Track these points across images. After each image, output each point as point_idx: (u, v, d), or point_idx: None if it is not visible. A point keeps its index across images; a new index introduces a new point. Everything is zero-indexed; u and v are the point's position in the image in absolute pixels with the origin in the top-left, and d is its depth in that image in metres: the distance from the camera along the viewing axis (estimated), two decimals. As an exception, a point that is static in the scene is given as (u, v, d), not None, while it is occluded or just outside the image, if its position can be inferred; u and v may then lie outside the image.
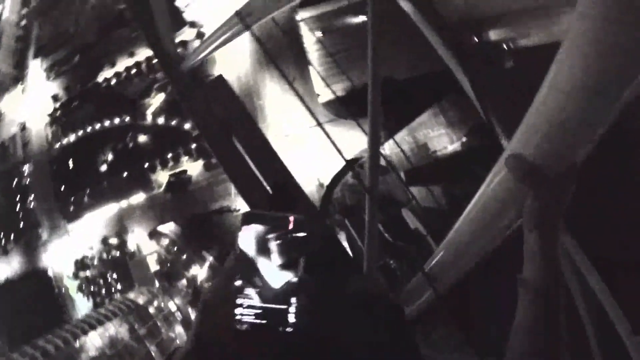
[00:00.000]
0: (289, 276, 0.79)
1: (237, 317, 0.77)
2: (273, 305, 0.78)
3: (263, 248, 0.79)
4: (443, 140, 20.64)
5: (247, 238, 0.79)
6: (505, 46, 19.69)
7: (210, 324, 0.76)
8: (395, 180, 16.86)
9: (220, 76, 5.64)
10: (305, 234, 0.80)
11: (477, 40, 19.71)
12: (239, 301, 0.78)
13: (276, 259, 0.79)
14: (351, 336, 0.80)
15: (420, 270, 1.89)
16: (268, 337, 0.77)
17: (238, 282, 0.78)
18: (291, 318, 0.77)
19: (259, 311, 0.78)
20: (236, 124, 5.61)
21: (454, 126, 20.46)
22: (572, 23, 0.81)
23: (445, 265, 1.70)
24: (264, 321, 0.77)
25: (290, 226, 0.80)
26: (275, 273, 0.79)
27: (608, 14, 0.72)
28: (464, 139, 20.31)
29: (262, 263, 0.79)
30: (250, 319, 0.77)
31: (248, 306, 0.78)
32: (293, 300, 0.78)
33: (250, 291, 0.78)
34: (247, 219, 0.81)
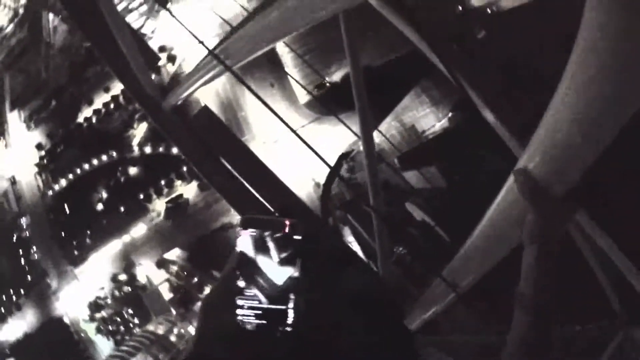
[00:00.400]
0: (284, 278, 0.81)
1: (239, 319, 0.79)
2: (273, 306, 0.80)
3: (262, 247, 0.81)
4: (430, 119, 20.63)
5: (246, 241, 0.81)
6: (489, 10, 19.72)
7: (213, 326, 0.77)
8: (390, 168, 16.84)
9: (205, 107, 5.56)
10: (299, 237, 0.82)
11: (461, 9, 19.73)
12: (240, 302, 0.79)
13: (275, 255, 0.81)
14: (347, 336, 0.82)
15: (440, 277, 1.88)
16: (270, 337, 0.79)
17: (238, 284, 0.80)
18: (290, 318, 0.79)
19: (259, 312, 0.79)
20: (223, 146, 5.53)
21: (439, 104, 20.44)
22: (579, 36, 0.76)
23: (464, 270, 1.74)
24: (264, 322, 0.79)
25: (282, 229, 0.82)
26: (277, 270, 0.81)
27: (623, 25, 0.68)
28: (450, 115, 20.31)
29: (262, 262, 0.81)
30: (252, 320, 0.79)
31: (249, 307, 0.79)
32: (291, 299, 0.80)
33: (250, 292, 0.80)
34: (246, 223, 0.82)
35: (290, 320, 0.79)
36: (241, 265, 0.81)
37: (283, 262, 0.81)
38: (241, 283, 0.80)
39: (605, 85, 0.77)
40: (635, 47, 0.70)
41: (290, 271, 0.81)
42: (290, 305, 0.80)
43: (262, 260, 0.81)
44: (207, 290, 26.37)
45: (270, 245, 0.81)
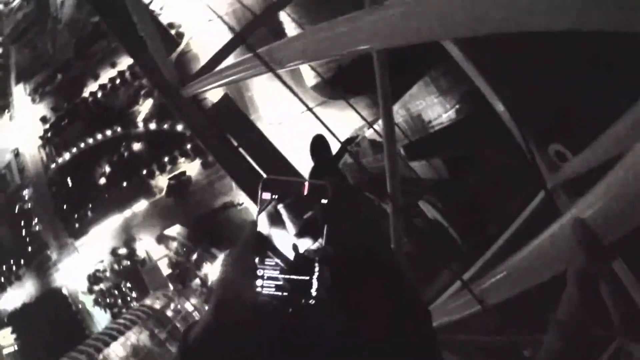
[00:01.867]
0: (308, 244, 0.74)
1: (258, 289, 0.72)
2: (295, 277, 0.73)
3: (278, 216, 0.75)
4: (436, 109, 20.37)
5: (264, 205, 0.74)
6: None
7: (230, 296, 0.71)
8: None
9: (226, 95, 5.47)
10: (324, 200, 0.74)
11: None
12: (259, 272, 0.73)
13: (290, 227, 0.74)
14: (371, 310, 0.78)
15: (470, 291, 1.88)
16: (290, 309, 0.74)
17: (257, 252, 0.74)
18: (314, 290, 0.73)
19: (280, 283, 0.73)
20: (242, 136, 5.44)
21: (446, 94, 20.16)
22: None
23: (496, 289, 1.74)
24: (285, 293, 0.73)
25: (306, 191, 0.74)
26: (291, 243, 0.74)
27: None
28: (457, 106, 20.11)
29: (278, 232, 0.75)
30: (271, 291, 0.73)
31: (269, 277, 0.73)
32: (315, 269, 0.73)
33: (270, 261, 0.73)
34: (266, 185, 0.74)
35: (313, 291, 0.73)
36: (261, 232, 0.74)
37: (307, 228, 0.74)
38: (260, 251, 0.74)
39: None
40: None
41: (315, 238, 0.75)
42: (314, 275, 0.73)
43: (280, 226, 0.74)
44: (205, 267, 26.71)
45: (288, 208, 0.74)
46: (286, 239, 0.74)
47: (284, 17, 18.81)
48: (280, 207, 0.74)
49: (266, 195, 0.74)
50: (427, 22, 1.16)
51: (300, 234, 0.74)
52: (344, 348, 0.73)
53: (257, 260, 0.73)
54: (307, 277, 0.73)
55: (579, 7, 0.73)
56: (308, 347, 0.72)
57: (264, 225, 0.74)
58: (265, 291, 0.72)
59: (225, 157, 5.54)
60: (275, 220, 0.74)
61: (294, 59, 2.61)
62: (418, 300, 0.85)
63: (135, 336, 25.92)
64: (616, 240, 0.95)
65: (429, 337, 0.82)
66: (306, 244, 0.74)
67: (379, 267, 0.82)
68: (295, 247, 0.74)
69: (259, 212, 0.74)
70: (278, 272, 0.73)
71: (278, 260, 0.73)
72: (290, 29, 19.84)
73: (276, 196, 0.74)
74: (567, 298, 1.00)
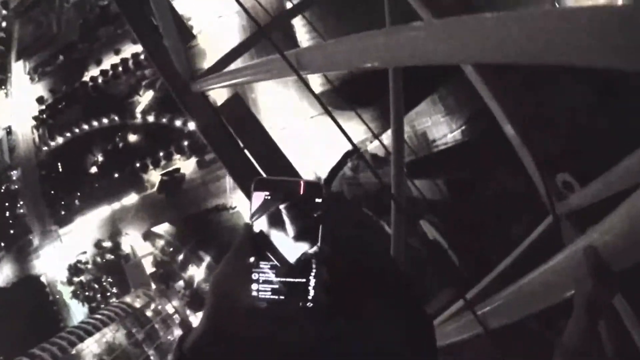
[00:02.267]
0: (306, 247, 0.72)
1: (253, 294, 0.70)
2: (291, 279, 0.71)
3: (275, 217, 0.72)
4: (442, 128, 20.38)
5: (259, 207, 0.72)
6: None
7: (225, 302, 0.70)
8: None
9: (236, 94, 5.51)
10: (319, 199, 0.73)
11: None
12: (254, 276, 0.70)
13: (289, 228, 0.72)
14: (371, 312, 0.81)
15: (475, 315, 1.89)
16: (287, 313, 0.72)
17: (252, 256, 0.71)
18: (311, 292, 0.71)
19: (276, 286, 0.71)
20: (249, 138, 5.49)
21: (453, 113, 20.17)
22: None
23: (499, 314, 1.77)
24: (282, 297, 0.71)
25: (301, 191, 0.73)
26: (290, 244, 0.72)
27: None
28: (463, 127, 20.00)
29: (275, 234, 0.72)
30: (267, 295, 0.70)
31: (264, 281, 0.71)
32: (312, 272, 0.72)
33: (265, 265, 0.71)
34: (258, 185, 0.73)
35: (310, 294, 0.71)
36: (255, 234, 0.72)
37: (302, 228, 0.72)
38: (255, 254, 0.71)
39: None
40: None
41: (311, 239, 0.72)
42: (311, 277, 0.72)
43: (278, 228, 0.72)
44: (190, 269, 26.41)
45: (287, 209, 0.72)
46: (285, 241, 0.72)
47: (295, 20, 18.75)
48: (282, 207, 0.72)
49: (259, 196, 0.73)
50: (450, 46, 1.18)
51: (298, 237, 0.72)
52: (340, 353, 0.75)
53: (252, 263, 0.71)
54: (304, 280, 0.72)
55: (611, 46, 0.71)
56: (305, 354, 0.73)
57: (262, 226, 0.73)
58: (261, 295, 0.71)
59: (228, 156, 5.24)
60: (275, 221, 0.73)
61: (316, 67, 2.47)
62: (419, 308, 0.87)
63: (112, 334, 25.64)
64: (623, 270, 0.99)
65: (428, 344, 0.84)
66: (304, 247, 0.73)
67: (377, 270, 0.86)
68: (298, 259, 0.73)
69: (252, 214, 0.73)
70: (274, 275, 0.71)
71: (275, 262, 0.72)
72: (302, 33, 19.86)
73: (269, 197, 0.73)
74: (574, 323, 1.03)
